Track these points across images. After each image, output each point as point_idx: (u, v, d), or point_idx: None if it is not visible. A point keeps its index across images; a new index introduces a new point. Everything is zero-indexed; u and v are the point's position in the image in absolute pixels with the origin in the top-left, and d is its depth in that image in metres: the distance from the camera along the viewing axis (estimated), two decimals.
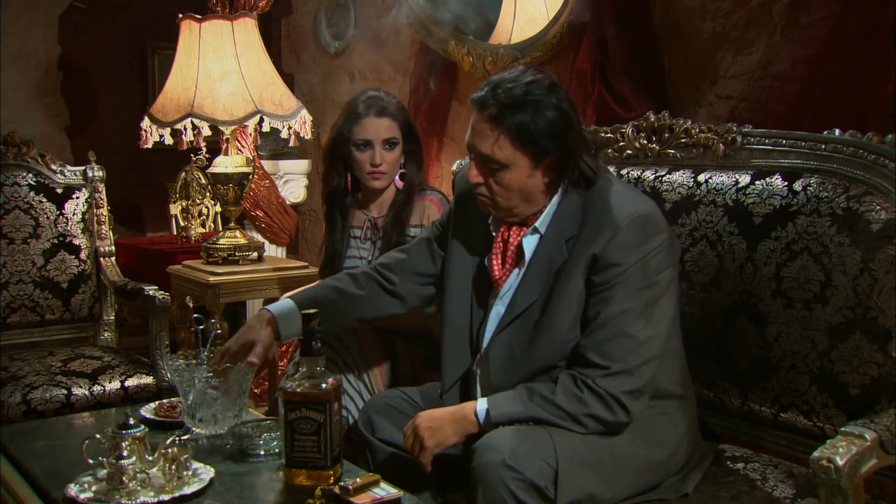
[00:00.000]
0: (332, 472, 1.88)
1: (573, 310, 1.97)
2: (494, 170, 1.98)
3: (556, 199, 2.03)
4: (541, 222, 2.04)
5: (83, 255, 3.47)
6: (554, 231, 2.02)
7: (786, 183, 2.13)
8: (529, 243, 2.05)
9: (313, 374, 1.88)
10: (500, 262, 2.09)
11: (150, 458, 1.87)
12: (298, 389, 1.87)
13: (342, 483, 1.81)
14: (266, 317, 2.24)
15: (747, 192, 2.20)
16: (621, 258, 1.91)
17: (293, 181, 4.61)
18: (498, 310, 2.09)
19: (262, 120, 3.49)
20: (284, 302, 2.30)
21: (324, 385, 1.87)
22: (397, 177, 2.76)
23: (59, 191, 3.49)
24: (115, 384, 3.00)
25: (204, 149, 3.73)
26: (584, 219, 1.98)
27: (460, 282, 2.18)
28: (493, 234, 2.11)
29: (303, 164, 4.63)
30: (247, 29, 3.54)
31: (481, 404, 1.96)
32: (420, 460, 1.98)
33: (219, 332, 2.52)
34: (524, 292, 2.04)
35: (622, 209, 1.95)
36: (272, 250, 4.35)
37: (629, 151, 2.53)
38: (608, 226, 1.93)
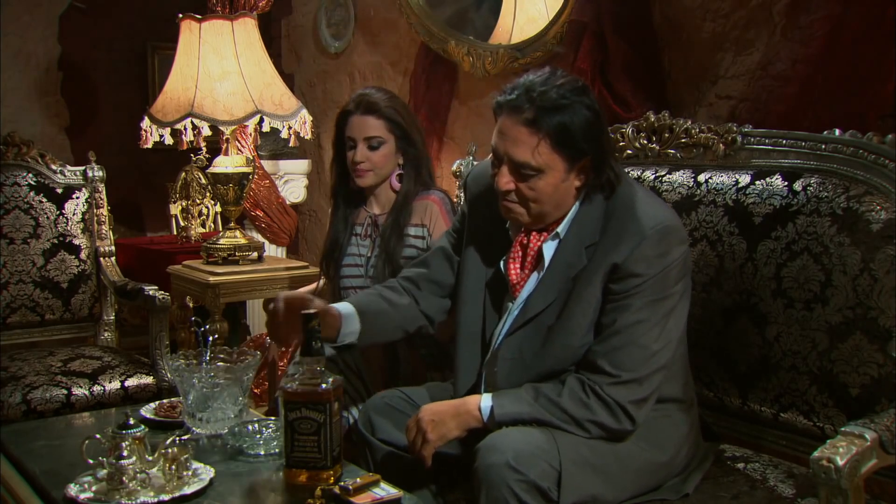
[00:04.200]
0: (332, 472, 1.88)
1: (589, 316, 1.95)
2: (529, 176, 1.93)
3: (576, 204, 2.01)
4: (562, 227, 2.01)
5: (83, 255, 3.47)
6: (573, 236, 1.99)
7: (786, 183, 2.13)
8: (549, 248, 2.02)
9: (313, 374, 1.88)
10: (518, 266, 2.06)
11: (150, 458, 1.87)
12: (298, 389, 1.87)
13: (342, 483, 1.81)
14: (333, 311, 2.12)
15: (747, 192, 2.20)
16: (643, 269, 1.90)
17: (293, 181, 4.62)
18: (513, 313, 2.06)
19: (262, 120, 3.49)
20: (342, 304, 2.17)
21: (324, 385, 1.87)
22: (394, 178, 2.75)
23: (59, 191, 3.48)
24: (115, 384, 3.00)
25: (204, 149, 3.73)
26: (605, 225, 1.96)
27: (475, 285, 2.15)
28: (512, 237, 2.08)
29: (303, 164, 4.63)
30: (247, 29, 3.54)
31: (485, 400, 1.95)
32: (422, 454, 1.97)
33: (216, 336, 2.51)
34: (540, 296, 2.01)
35: (647, 218, 1.92)
36: (272, 250, 4.35)
37: (629, 151, 2.53)
38: (631, 234, 1.91)
